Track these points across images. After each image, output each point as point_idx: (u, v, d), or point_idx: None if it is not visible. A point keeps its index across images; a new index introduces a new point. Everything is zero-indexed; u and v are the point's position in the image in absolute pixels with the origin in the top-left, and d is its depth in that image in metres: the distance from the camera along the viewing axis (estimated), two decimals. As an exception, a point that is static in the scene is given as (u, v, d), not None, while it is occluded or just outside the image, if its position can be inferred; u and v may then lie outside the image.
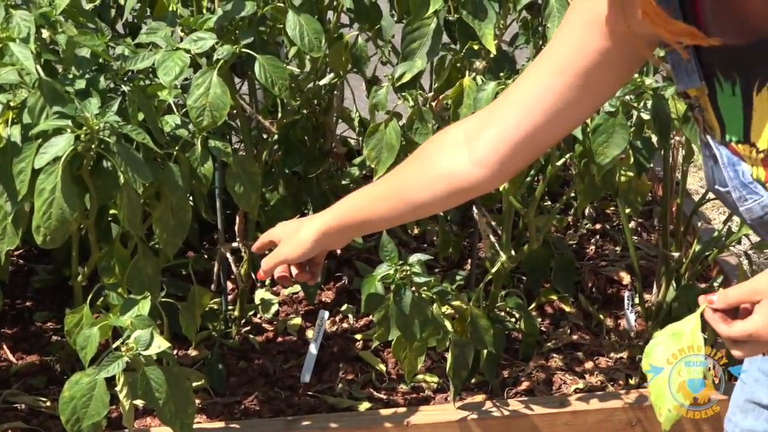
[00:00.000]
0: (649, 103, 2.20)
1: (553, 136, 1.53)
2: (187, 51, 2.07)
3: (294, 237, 1.75)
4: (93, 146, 1.84)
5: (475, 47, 2.35)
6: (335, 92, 2.71)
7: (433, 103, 2.33)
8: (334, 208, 1.75)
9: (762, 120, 1.28)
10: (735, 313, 1.30)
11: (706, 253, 2.75)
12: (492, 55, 2.34)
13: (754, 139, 1.30)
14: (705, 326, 1.36)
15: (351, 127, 2.84)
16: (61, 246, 1.92)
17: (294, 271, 1.80)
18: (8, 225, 1.92)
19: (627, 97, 2.18)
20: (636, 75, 2.18)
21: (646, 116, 2.22)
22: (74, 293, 2.18)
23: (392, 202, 1.68)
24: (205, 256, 2.81)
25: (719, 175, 1.38)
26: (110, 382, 1.82)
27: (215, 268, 2.61)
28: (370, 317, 2.16)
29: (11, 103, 1.90)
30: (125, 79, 2.04)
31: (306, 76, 2.55)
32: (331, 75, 2.58)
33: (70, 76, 1.97)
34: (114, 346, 1.84)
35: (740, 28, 1.27)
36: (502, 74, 2.25)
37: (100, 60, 2.03)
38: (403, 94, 2.28)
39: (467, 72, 2.33)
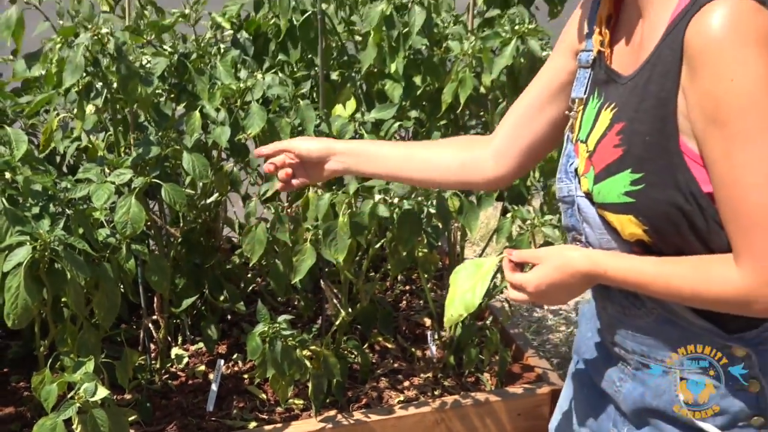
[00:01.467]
0: (435, 202, 2.20)
1: (542, 138, 1.41)
2: (113, 183, 2.05)
3: (311, 138, 1.54)
4: (46, 254, 1.80)
5: None
6: (220, 206, 2.69)
7: (289, 210, 2.34)
8: (357, 142, 1.55)
9: (598, 130, 1.21)
10: (522, 268, 1.27)
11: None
12: None
13: (588, 141, 1.24)
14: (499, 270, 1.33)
15: (233, 230, 2.82)
16: (27, 326, 1.86)
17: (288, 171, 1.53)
18: (-15, 314, 1.86)
19: (419, 198, 2.17)
20: None
21: (432, 210, 2.22)
22: (38, 360, 2.12)
23: (413, 167, 1.49)
24: (134, 327, 2.75)
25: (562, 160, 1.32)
26: (68, 423, 1.77)
27: (141, 335, 2.56)
28: (254, 362, 2.16)
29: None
30: (68, 204, 2.01)
31: (199, 196, 2.53)
32: (217, 194, 2.57)
33: (28, 204, 1.94)
34: (69, 396, 1.80)
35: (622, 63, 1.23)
36: (334, 188, 2.25)
37: (49, 192, 1.99)
38: (267, 205, 2.28)
39: (310, 187, 2.32)
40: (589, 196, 1.24)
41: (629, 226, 1.16)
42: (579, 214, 1.26)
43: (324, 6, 2.35)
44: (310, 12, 2.35)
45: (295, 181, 1.57)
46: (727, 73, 1.00)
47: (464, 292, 1.31)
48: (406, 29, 2.20)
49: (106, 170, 2.12)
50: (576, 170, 1.27)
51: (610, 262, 1.17)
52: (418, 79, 2.36)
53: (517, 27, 2.21)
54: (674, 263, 1.12)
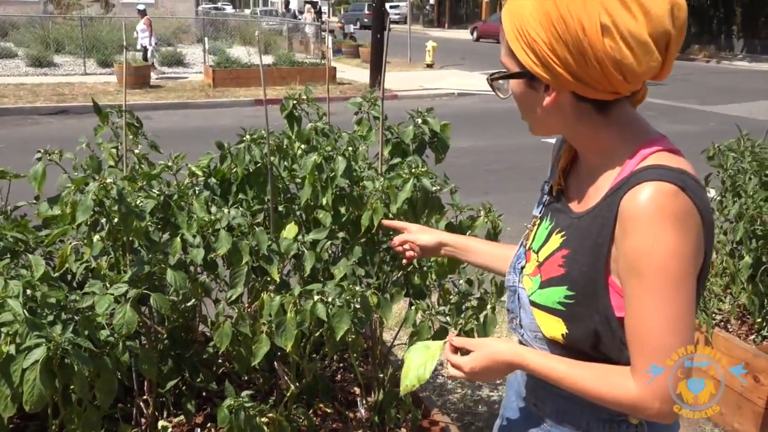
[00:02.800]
0: (359, 299, 2.15)
1: None
2: (112, 294, 1.97)
3: (429, 230, 1.55)
4: (58, 352, 1.70)
5: (268, 279, 2.30)
6: (196, 308, 2.61)
7: (248, 309, 2.28)
8: (462, 238, 1.55)
9: (549, 248, 1.18)
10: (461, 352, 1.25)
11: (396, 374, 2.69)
12: (277, 282, 2.30)
13: (540, 254, 1.21)
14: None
15: (206, 326, 2.71)
16: (42, 410, 1.75)
17: (415, 249, 1.56)
18: (8, 401, 1.73)
19: (347, 297, 2.12)
20: (351, 284, 2.13)
21: (358, 306, 2.18)
22: (50, 437, 1.98)
23: (498, 263, 1.46)
24: (128, 405, 2.59)
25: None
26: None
27: (134, 412, 2.43)
28: (223, 429, 2.06)
29: (9, 332, 1.76)
30: (77, 312, 1.92)
31: (180, 301, 2.44)
32: (193, 300, 2.49)
33: (44, 314, 1.85)
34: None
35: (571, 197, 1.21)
36: (283, 291, 2.20)
37: (61, 303, 1.91)
38: (232, 306, 2.22)
39: (265, 291, 2.28)
40: (529, 291, 1.21)
41: (553, 326, 1.14)
42: (518, 301, 1.24)
43: (272, 158, 2.36)
44: (260, 163, 2.35)
45: (410, 253, 1.59)
46: (649, 239, 1.00)
47: (417, 367, 1.28)
48: (333, 173, 2.21)
49: (108, 284, 2.05)
50: (522, 268, 1.25)
51: (531, 357, 1.15)
52: (343, 209, 2.36)
53: (413, 170, 2.24)
54: (583, 368, 1.10)
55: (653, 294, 1.00)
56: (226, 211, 2.25)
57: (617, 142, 1.09)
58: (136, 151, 2.55)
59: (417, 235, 1.56)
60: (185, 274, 2.16)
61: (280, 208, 2.47)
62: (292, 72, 15.40)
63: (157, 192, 2.29)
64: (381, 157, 2.47)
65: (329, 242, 2.36)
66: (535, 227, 1.26)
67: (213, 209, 2.30)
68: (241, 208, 2.31)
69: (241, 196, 2.41)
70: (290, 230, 2.35)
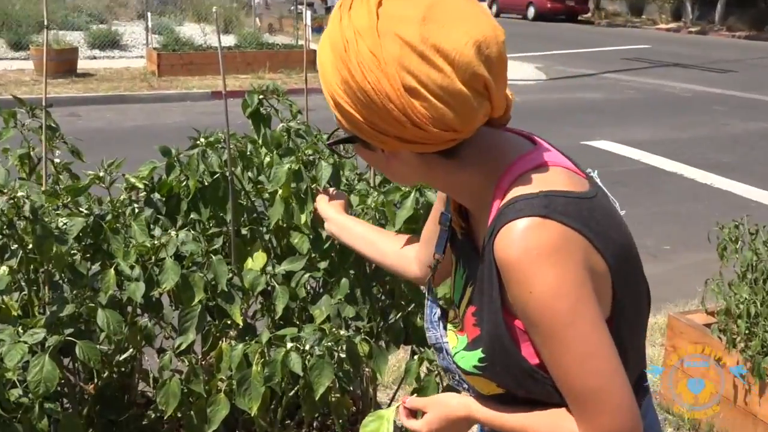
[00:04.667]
0: (345, 347, 2.17)
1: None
2: (26, 342, 1.97)
3: (337, 204, 1.83)
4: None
5: (228, 322, 2.32)
6: (135, 360, 2.60)
7: (203, 362, 2.29)
8: (345, 216, 1.80)
9: (465, 302, 1.32)
10: (416, 414, 1.41)
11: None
12: (240, 326, 2.30)
13: (459, 308, 1.34)
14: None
15: (147, 384, 2.72)
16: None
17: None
18: None
19: (330, 344, 2.13)
20: (335, 328, 2.16)
21: (343, 355, 2.19)
22: None
23: (362, 245, 1.73)
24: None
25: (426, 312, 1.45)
26: None
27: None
28: None
29: None
30: (-20, 366, 1.90)
31: (113, 351, 2.45)
32: (131, 349, 2.49)
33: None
34: None
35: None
36: (247, 338, 2.21)
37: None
38: (181, 357, 2.22)
39: (224, 338, 2.29)
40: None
41: (487, 385, 1.29)
42: (449, 357, 1.37)
43: (234, 168, 2.38)
44: (219, 174, 2.36)
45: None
46: (527, 286, 1.11)
47: None
48: (314, 184, 2.23)
49: (20, 330, 2.05)
50: (439, 320, 1.40)
51: (482, 410, 1.31)
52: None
53: (414, 181, 2.28)
54: (535, 417, 1.24)
55: (554, 340, 1.12)
56: (173, 234, 2.27)
57: (480, 181, 1.22)
58: (56, 160, 2.57)
59: (323, 205, 1.84)
60: (120, 316, 2.17)
61: (244, 231, 2.48)
62: (261, 56, 15.45)
63: (85, 210, 2.29)
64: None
65: (307, 275, 2.37)
66: (453, 276, 1.38)
67: (157, 232, 2.33)
68: (193, 231, 2.34)
69: (193, 215, 2.42)
70: (257, 259, 2.37)
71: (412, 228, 2.15)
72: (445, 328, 1.39)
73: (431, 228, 1.51)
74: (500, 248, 1.12)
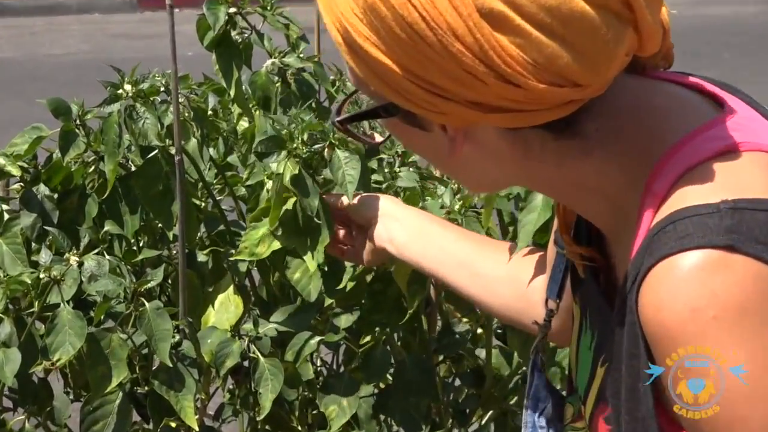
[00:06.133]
0: None
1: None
2: None
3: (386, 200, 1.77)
4: None
5: (173, 424, 2.02)
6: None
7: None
8: (418, 215, 1.74)
9: (594, 391, 1.24)
10: None
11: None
12: None
13: (587, 405, 1.26)
14: None
15: None
16: None
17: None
18: None
19: None
20: None
21: None
22: None
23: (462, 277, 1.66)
24: None
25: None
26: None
27: None
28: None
29: None
30: None
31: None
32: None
33: None
34: None
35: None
36: None
37: None
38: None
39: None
40: None
41: None
42: None
43: (187, 143, 2.04)
44: (156, 150, 1.99)
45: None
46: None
47: None
48: (335, 182, 1.95)
49: None
50: (549, 422, 1.36)
51: None
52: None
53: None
54: None
55: None
56: (74, 261, 1.96)
57: (617, 179, 1.14)
58: None
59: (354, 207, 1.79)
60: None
61: (202, 256, 2.15)
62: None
63: None
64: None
65: (317, 339, 2.04)
66: (573, 349, 1.33)
67: (43, 256, 2.03)
68: (109, 256, 2.00)
69: (110, 227, 2.10)
70: (225, 308, 2.06)
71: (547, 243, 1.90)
72: (560, 426, 1.36)
73: (551, 251, 1.43)
74: (650, 305, 1.00)
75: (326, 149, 1.95)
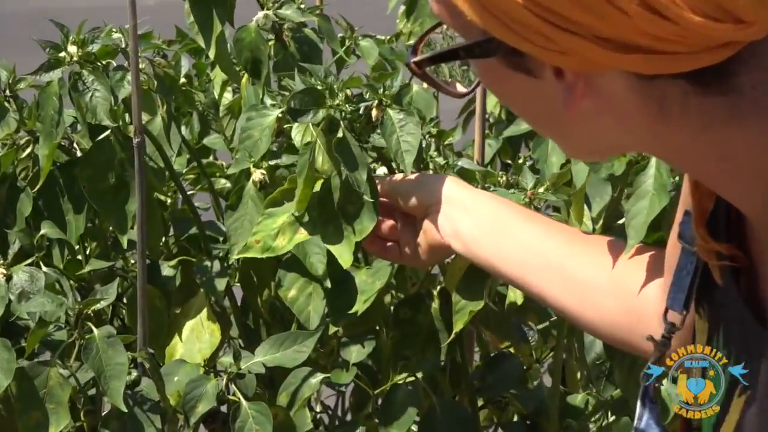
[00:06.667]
0: None
1: None
2: None
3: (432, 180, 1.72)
4: None
5: None
6: None
7: None
8: (491, 200, 1.67)
9: (728, 430, 1.13)
10: None
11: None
12: None
13: None
14: None
15: None
16: None
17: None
18: None
19: None
20: None
21: None
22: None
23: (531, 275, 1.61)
24: None
25: None
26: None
27: None
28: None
29: None
30: None
31: None
32: None
33: None
34: None
35: None
36: None
37: None
38: None
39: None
40: None
41: None
42: None
43: (145, 119, 1.92)
44: (109, 130, 1.87)
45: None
46: None
47: None
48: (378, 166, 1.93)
49: None
50: None
51: None
52: (367, 276, 1.94)
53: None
54: None
55: None
56: (1, 273, 1.91)
57: None
58: None
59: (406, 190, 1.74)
60: None
61: (167, 269, 2.04)
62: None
63: None
64: (482, 121, 2.16)
65: (319, 377, 1.90)
66: (709, 362, 1.17)
67: None
68: (47, 268, 1.94)
69: (47, 230, 2.02)
70: (197, 336, 2.01)
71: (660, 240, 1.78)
72: None
73: (672, 249, 1.28)
74: None
75: (374, 109, 1.80)
